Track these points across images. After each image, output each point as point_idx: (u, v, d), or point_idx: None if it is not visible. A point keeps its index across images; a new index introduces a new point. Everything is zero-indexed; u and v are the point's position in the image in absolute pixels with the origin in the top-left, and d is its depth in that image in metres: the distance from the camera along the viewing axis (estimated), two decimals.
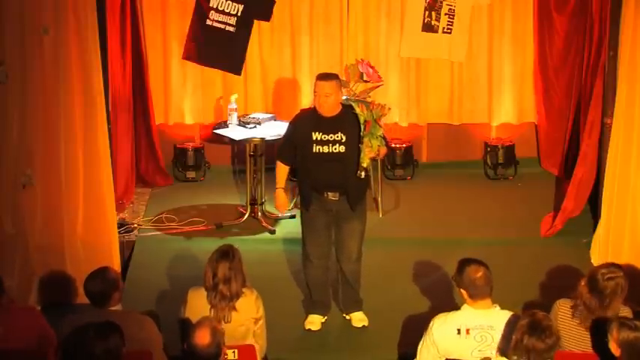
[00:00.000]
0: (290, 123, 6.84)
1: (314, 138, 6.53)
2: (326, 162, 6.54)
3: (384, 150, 6.74)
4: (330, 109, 6.52)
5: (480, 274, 5.21)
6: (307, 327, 6.88)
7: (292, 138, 6.71)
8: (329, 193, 6.60)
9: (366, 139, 6.48)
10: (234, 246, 5.66)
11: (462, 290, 5.28)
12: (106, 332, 4.66)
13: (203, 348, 4.71)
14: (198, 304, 5.52)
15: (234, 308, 5.53)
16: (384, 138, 6.65)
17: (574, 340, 5.27)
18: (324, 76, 6.60)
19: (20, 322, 5.41)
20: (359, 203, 6.69)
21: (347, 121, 6.54)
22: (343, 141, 6.52)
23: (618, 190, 7.34)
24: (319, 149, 6.54)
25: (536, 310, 4.92)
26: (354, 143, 6.52)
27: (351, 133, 6.52)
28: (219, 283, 5.50)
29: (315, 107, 6.62)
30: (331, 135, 6.52)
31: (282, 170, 6.83)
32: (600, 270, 5.31)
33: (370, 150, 6.49)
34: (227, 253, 5.56)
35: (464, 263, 5.31)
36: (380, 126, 6.55)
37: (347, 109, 6.61)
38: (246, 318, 5.61)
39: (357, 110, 6.52)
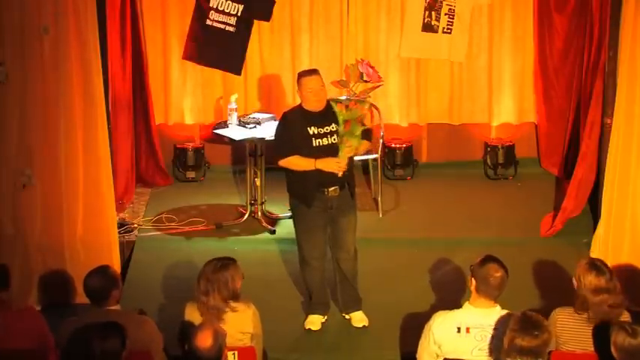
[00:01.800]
0: (281, 122, 6.81)
1: (311, 133, 6.56)
2: (328, 154, 6.56)
3: (364, 147, 6.77)
4: (324, 101, 6.58)
5: (498, 274, 5.22)
6: (307, 327, 6.88)
7: (289, 134, 6.66)
8: (329, 190, 6.61)
9: (344, 138, 6.54)
10: (232, 260, 5.55)
11: (472, 280, 5.27)
12: (105, 333, 4.66)
13: (204, 350, 4.70)
14: (194, 318, 5.47)
15: (222, 320, 5.41)
16: (368, 131, 6.74)
17: (579, 341, 5.27)
18: (312, 72, 6.68)
19: (19, 322, 5.41)
20: (354, 191, 6.71)
21: (334, 112, 6.61)
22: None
23: (618, 190, 7.34)
24: (319, 142, 6.57)
25: (525, 310, 4.93)
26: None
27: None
28: (201, 295, 5.46)
29: (299, 105, 6.66)
30: (326, 127, 6.58)
31: (296, 157, 6.62)
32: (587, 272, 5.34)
33: (349, 149, 6.55)
34: (214, 265, 5.48)
35: (490, 258, 5.30)
36: (362, 125, 6.59)
37: (329, 102, 6.70)
38: (241, 332, 5.50)
39: (337, 109, 6.57)
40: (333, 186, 6.61)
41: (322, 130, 6.57)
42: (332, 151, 6.57)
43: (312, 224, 6.70)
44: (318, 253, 6.77)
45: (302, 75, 6.66)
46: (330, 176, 6.59)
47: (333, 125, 6.57)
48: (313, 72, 6.67)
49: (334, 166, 6.52)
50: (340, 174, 6.55)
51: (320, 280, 6.87)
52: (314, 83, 6.55)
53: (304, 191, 6.65)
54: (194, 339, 4.73)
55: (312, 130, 6.55)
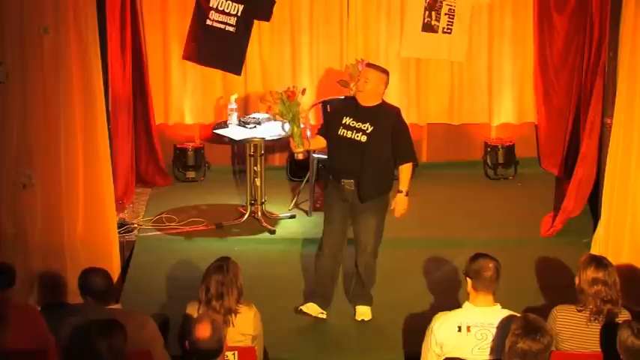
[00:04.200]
0: (332, 105, 7.14)
1: (343, 122, 6.69)
2: (345, 147, 6.66)
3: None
4: (365, 97, 6.67)
5: (490, 265, 5.26)
6: (300, 307, 6.92)
7: (328, 119, 7.01)
8: (345, 181, 6.67)
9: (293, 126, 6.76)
10: (231, 259, 5.55)
11: (467, 279, 5.30)
12: (109, 330, 4.66)
13: (205, 341, 4.70)
14: None
15: (229, 324, 5.41)
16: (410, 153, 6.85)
17: (580, 340, 5.28)
18: (370, 64, 6.94)
19: (19, 321, 5.40)
20: (371, 198, 6.69)
21: (381, 115, 6.68)
22: (368, 131, 6.62)
23: (618, 190, 7.34)
24: (343, 133, 6.68)
25: (527, 313, 4.93)
26: (380, 137, 6.62)
27: (380, 127, 6.63)
28: (212, 299, 5.41)
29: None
30: (360, 124, 6.65)
31: (317, 138, 6.96)
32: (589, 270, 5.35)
33: (295, 138, 6.75)
34: (221, 267, 5.45)
35: (479, 255, 5.36)
36: (297, 124, 6.74)
37: (386, 105, 6.79)
38: (242, 334, 5.50)
39: (270, 98, 6.81)
40: (346, 178, 6.68)
41: (354, 124, 6.66)
42: (350, 146, 6.63)
43: (331, 212, 6.83)
44: (332, 242, 6.83)
45: (365, 65, 6.97)
46: (343, 167, 6.70)
47: (367, 125, 6.62)
48: (372, 65, 6.91)
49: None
50: (298, 156, 6.82)
51: (327, 269, 6.89)
52: (361, 72, 6.78)
53: (326, 176, 6.92)
54: (193, 332, 4.73)
55: (347, 119, 6.68)
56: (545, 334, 4.73)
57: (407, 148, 6.78)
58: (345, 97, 7.12)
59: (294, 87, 6.91)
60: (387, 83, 6.76)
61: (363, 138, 6.61)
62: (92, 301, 5.38)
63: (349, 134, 6.65)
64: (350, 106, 6.75)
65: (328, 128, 6.85)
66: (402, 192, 6.76)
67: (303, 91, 7.19)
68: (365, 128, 6.62)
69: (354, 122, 6.65)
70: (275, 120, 6.73)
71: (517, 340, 4.71)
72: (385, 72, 6.77)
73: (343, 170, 6.70)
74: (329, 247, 6.84)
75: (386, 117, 6.69)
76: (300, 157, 6.84)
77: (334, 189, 6.77)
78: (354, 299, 7.04)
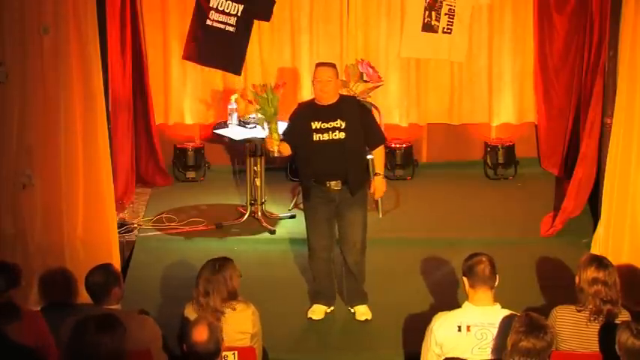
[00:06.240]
0: (290, 117, 6.93)
1: (313, 127, 6.63)
2: (327, 149, 6.63)
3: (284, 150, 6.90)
4: (330, 95, 6.65)
5: (482, 259, 5.28)
6: (309, 316, 6.93)
7: (292, 131, 6.81)
8: (331, 183, 6.67)
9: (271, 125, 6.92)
10: (231, 261, 5.53)
11: (465, 280, 5.31)
12: (108, 326, 4.66)
13: (202, 344, 4.70)
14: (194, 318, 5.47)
15: (221, 321, 5.36)
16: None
17: (579, 340, 5.27)
18: (325, 63, 6.85)
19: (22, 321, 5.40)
20: (359, 189, 6.73)
21: (345, 108, 6.69)
22: (343, 127, 6.62)
23: (618, 190, 7.33)
24: (319, 137, 6.63)
25: (528, 311, 4.94)
26: (354, 129, 6.63)
27: (350, 119, 6.63)
28: (199, 295, 5.43)
29: (313, 99, 6.76)
30: (330, 122, 6.62)
31: (284, 144, 6.90)
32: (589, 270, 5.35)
33: (270, 138, 6.88)
34: (212, 266, 5.47)
35: (474, 254, 5.38)
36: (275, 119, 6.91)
37: (344, 98, 6.82)
38: (241, 332, 5.49)
39: (251, 91, 7.09)
40: (333, 180, 6.66)
41: (325, 125, 6.62)
42: (332, 147, 6.60)
43: (317, 216, 6.79)
44: (323, 244, 6.83)
45: (316, 65, 6.82)
46: (327, 169, 6.66)
47: (339, 121, 6.60)
48: (326, 64, 6.81)
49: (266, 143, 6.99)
50: (271, 154, 6.93)
51: (325, 269, 6.92)
52: (321, 74, 6.66)
53: (304, 183, 6.81)
54: (190, 335, 4.73)
55: (315, 124, 6.62)
56: (548, 331, 4.74)
57: (377, 132, 6.91)
58: (300, 104, 7.05)
59: (276, 82, 7.14)
60: (338, 75, 6.89)
61: (342, 135, 6.61)
62: (92, 302, 5.38)
63: (326, 137, 6.62)
64: (310, 110, 6.72)
65: (297, 139, 6.76)
66: (379, 174, 6.89)
67: (283, 85, 7.46)
68: (339, 125, 6.61)
69: (325, 124, 6.62)
70: (255, 119, 6.90)
71: (520, 337, 4.71)
72: (335, 65, 6.83)
73: (328, 173, 6.67)
74: (320, 249, 6.84)
75: (350, 107, 6.73)
76: (276, 154, 6.92)
77: (318, 192, 6.72)
78: (351, 300, 7.02)
